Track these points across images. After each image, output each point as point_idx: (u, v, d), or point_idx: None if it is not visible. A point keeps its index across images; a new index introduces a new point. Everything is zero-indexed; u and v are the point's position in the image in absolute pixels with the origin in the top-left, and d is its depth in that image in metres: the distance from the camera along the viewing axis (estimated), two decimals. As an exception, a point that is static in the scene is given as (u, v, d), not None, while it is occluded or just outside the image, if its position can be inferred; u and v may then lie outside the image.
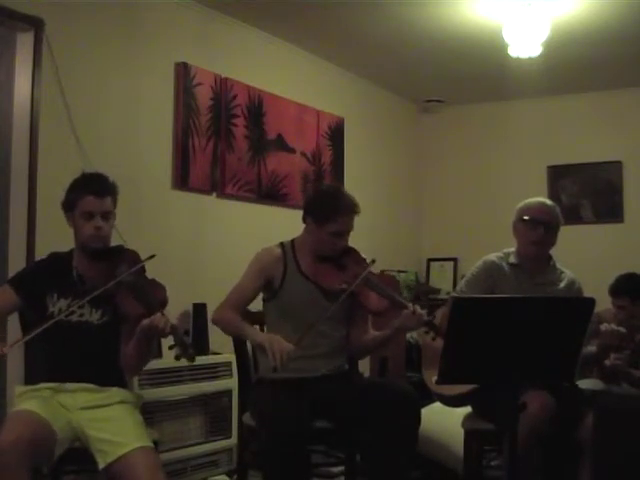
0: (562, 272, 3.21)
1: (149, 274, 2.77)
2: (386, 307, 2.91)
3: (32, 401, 2.54)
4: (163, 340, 3.59)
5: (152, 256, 2.70)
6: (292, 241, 3.10)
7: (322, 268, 2.97)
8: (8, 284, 2.77)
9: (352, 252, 3.02)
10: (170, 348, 2.53)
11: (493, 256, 3.21)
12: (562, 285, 3.16)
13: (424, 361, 3.22)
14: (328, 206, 2.94)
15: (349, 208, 2.94)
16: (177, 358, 2.52)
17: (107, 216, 2.71)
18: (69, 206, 2.73)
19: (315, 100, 5.24)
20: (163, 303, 2.66)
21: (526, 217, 3.13)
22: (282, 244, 3.08)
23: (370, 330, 3.13)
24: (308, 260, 3.02)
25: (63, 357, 2.68)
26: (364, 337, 3.10)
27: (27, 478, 2.31)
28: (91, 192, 2.69)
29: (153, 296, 2.65)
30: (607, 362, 3.55)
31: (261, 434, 2.76)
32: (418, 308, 2.86)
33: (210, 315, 3.00)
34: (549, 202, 3.22)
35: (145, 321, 2.57)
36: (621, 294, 3.74)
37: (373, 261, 2.95)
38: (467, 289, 3.15)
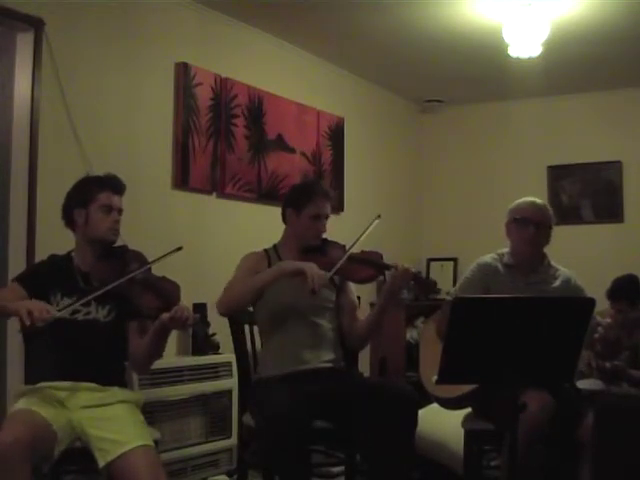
0: (557, 270, 3.20)
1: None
2: (372, 273, 3.05)
3: (32, 400, 2.54)
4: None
5: (179, 248, 2.73)
6: (274, 245, 3.20)
7: (306, 259, 3.03)
8: (16, 281, 2.75)
9: (331, 242, 3.15)
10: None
11: (487, 257, 3.22)
12: (557, 283, 3.15)
13: (422, 362, 3.23)
14: (304, 191, 3.17)
15: (323, 191, 3.17)
16: (201, 349, 2.56)
17: (120, 213, 2.80)
18: (81, 202, 2.75)
19: (315, 100, 5.24)
20: (178, 297, 2.69)
21: (517, 217, 3.15)
22: (265, 249, 3.18)
23: (359, 317, 3.20)
24: (292, 256, 3.08)
25: (65, 356, 2.68)
26: (356, 324, 3.17)
27: (28, 475, 2.31)
28: (109, 188, 2.77)
29: (169, 291, 2.69)
30: (607, 364, 3.56)
31: (261, 434, 2.76)
32: (403, 264, 2.98)
33: (215, 310, 3.02)
34: (539, 201, 3.22)
35: (166, 314, 2.58)
36: (619, 298, 3.72)
37: (379, 216, 3.13)
38: (462, 291, 3.15)
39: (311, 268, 2.85)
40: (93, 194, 2.74)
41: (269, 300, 3.03)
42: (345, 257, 2.98)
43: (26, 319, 2.40)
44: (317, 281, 2.82)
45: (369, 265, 3.04)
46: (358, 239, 3.06)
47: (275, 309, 3.05)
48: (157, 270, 2.78)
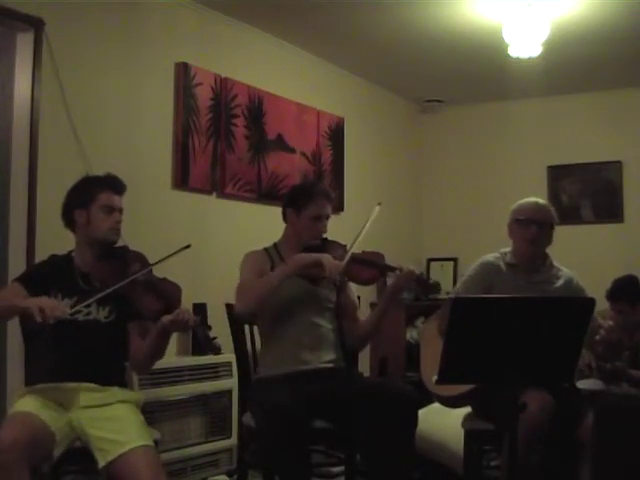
0: (559, 270, 3.22)
1: (149, 273, 2.77)
2: (376, 274, 3.05)
3: (31, 402, 2.54)
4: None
5: (187, 246, 2.74)
6: (274, 244, 3.21)
7: None
8: (17, 281, 2.74)
9: (332, 242, 3.14)
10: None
11: (490, 256, 3.22)
12: (559, 283, 3.16)
13: (423, 361, 3.23)
14: (304, 191, 3.15)
15: (324, 191, 3.17)
16: (202, 351, 2.59)
17: (121, 213, 2.80)
18: (82, 202, 2.74)
19: (315, 100, 5.24)
20: (180, 299, 2.69)
21: (520, 217, 3.15)
22: (265, 248, 3.18)
23: (359, 318, 3.21)
24: (293, 255, 3.06)
25: (66, 356, 2.68)
26: (357, 324, 3.18)
27: (27, 477, 2.31)
28: (110, 188, 2.77)
29: (171, 293, 2.69)
30: (608, 365, 3.56)
31: (261, 434, 2.76)
32: (408, 266, 3.00)
33: (214, 310, 3.02)
34: (542, 201, 3.25)
35: (168, 316, 2.58)
36: (619, 299, 3.72)
37: (379, 204, 3.17)
38: (464, 290, 3.16)
39: (327, 258, 2.91)
40: (94, 194, 2.74)
41: (270, 301, 3.03)
42: (357, 238, 2.99)
43: (38, 316, 2.40)
44: (334, 270, 2.90)
45: (373, 266, 3.04)
46: (363, 228, 3.07)
47: (276, 310, 3.04)
48: (157, 270, 2.78)
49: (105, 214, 2.73)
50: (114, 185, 2.79)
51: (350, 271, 3.01)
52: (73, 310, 2.58)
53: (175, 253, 2.72)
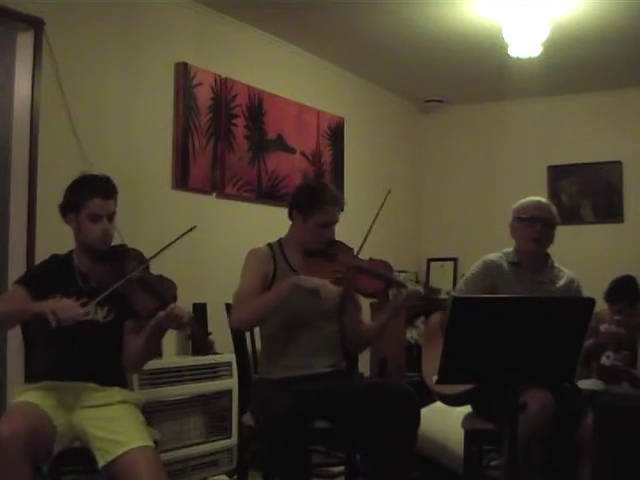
0: (560, 271, 3.24)
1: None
2: (383, 288, 2.98)
3: (32, 396, 2.54)
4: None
5: (193, 227, 2.72)
6: (279, 240, 3.14)
7: (312, 262, 3.00)
8: (18, 284, 2.73)
9: (338, 243, 3.07)
10: (188, 338, 2.55)
11: (493, 255, 3.24)
12: (561, 283, 3.18)
13: (424, 360, 3.23)
14: (314, 197, 3.02)
15: (334, 198, 3.04)
16: (196, 349, 2.56)
17: (112, 217, 2.75)
18: (73, 207, 2.72)
19: (315, 100, 5.24)
20: (175, 296, 2.68)
21: (523, 215, 3.16)
22: (269, 244, 3.12)
23: (363, 320, 3.18)
24: (297, 256, 3.05)
25: (65, 356, 2.68)
26: (359, 328, 3.14)
27: (28, 468, 2.31)
28: (98, 194, 2.71)
29: (166, 290, 2.68)
30: (607, 362, 3.56)
31: (262, 434, 2.76)
32: (414, 287, 2.98)
33: (230, 322, 2.98)
34: (544, 200, 3.27)
35: (162, 312, 2.57)
36: (618, 300, 3.71)
37: (389, 192, 3.13)
38: (466, 288, 3.16)
39: (325, 287, 2.79)
40: (83, 200, 2.70)
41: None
42: (370, 227, 2.97)
43: (52, 320, 2.40)
44: (330, 300, 2.79)
45: (380, 278, 2.99)
46: (375, 218, 3.04)
47: (282, 317, 2.99)
48: (156, 269, 2.77)
49: (92, 222, 2.69)
50: (104, 190, 2.72)
51: (356, 283, 2.96)
52: (86, 310, 2.55)
53: (181, 236, 2.70)
